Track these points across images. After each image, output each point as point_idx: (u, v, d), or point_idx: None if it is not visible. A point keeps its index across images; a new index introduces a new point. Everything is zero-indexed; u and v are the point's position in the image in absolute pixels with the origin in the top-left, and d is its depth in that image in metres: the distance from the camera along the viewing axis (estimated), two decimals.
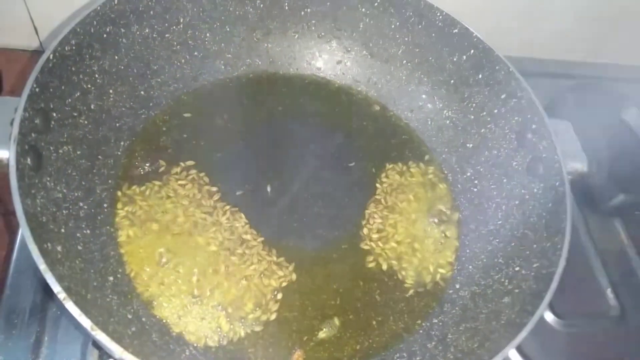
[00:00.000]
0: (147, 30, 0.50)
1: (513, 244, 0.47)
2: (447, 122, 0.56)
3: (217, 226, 0.47)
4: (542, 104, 0.48)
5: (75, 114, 0.44)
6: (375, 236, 0.50)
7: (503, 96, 0.51)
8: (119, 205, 0.46)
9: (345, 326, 0.45)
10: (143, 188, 0.47)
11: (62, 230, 0.39)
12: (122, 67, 0.49)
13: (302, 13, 0.57)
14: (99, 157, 0.46)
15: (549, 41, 0.70)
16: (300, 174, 0.53)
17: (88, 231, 0.42)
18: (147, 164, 0.49)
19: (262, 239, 0.47)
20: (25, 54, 0.61)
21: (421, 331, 0.45)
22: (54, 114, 0.41)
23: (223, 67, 0.57)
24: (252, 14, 0.56)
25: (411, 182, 0.54)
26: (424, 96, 0.58)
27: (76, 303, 0.32)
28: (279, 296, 0.45)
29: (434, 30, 0.54)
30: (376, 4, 0.55)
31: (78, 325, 0.32)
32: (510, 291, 0.44)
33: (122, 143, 0.49)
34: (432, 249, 0.50)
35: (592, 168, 0.49)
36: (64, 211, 0.40)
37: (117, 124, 0.49)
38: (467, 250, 0.50)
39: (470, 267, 0.49)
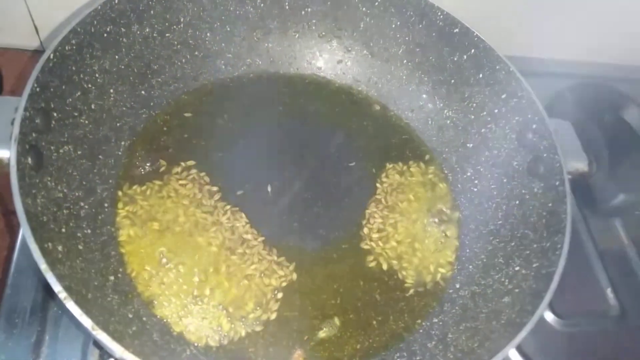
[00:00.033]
0: (147, 30, 0.50)
1: (513, 243, 0.47)
2: (448, 121, 0.56)
3: (217, 226, 0.47)
4: (543, 104, 0.48)
5: (75, 114, 0.44)
6: (375, 236, 0.50)
7: (503, 96, 0.51)
8: (120, 205, 0.46)
9: (345, 326, 0.45)
10: (144, 188, 0.47)
11: (63, 230, 0.39)
12: (123, 67, 0.49)
13: (303, 12, 0.57)
14: (100, 156, 0.46)
15: (549, 41, 0.70)
16: (300, 173, 0.53)
17: (89, 231, 0.42)
18: (148, 164, 0.49)
19: (263, 238, 0.47)
20: (25, 53, 0.61)
21: (421, 331, 0.45)
22: (55, 114, 0.41)
23: (223, 66, 0.57)
24: (253, 13, 0.56)
25: (411, 182, 0.54)
26: (424, 96, 0.58)
27: (77, 302, 0.32)
28: (280, 296, 0.45)
29: (435, 29, 0.54)
30: (377, 4, 0.55)
31: (79, 325, 0.32)
32: (510, 291, 0.44)
33: (122, 143, 0.49)
34: (433, 248, 0.50)
35: (592, 168, 0.49)
36: (64, 211, 0.40)
37: (118, 124, 0.49)
38: (467, 250, 0.50)
39: (471, 266, 0.49)
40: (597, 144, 0.53)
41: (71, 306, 0.32)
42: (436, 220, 0.52)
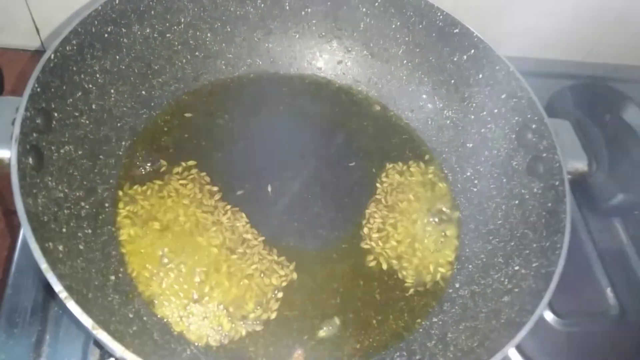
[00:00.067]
0: (148, 30, 0.50)
1: (513, 243, 0.47)
2: (448, 121, 0.56)
3: (218, 225, 0.47)
4: (542, 104, 0.48)
5: (76, 114, 0.44)
6: (375, 236, 0.50)
7: (503, 96, 0.51)
8: (121, 205, 0.46)
9: (345, 325, 0.45)
10: (144, 188, 0.47)
11: (64, 230, 0.39)
12: (123, 67, 0.49)
13: (303, 13, 0.57)
14: (101, 156, 0.46)
15: (549, 41, 0.70)
16: (300, 173, 0.53)
17: (89, 231, 0.42)
18: (149, 164, 0.49)
19: (263, 238, 0.47)
20: (26, 53, 0.61)
21: (421, 330, 0.45)
22: (56, 114, 0.41)
23: (224, 67, 0.57)
24: (253, 14, 0.56)
25: (411, 182, 0.54)
26: (424, 96, 0.58)
27: (77, 302, 0.32)
28: (280, 295, 0.45)
29: (435, 30, 0.54)
30: (377, 4, 0.55)
31: (79, 325, 0.32)
32: (509, 290, 0.44)
33: (123, 143, 0.49)
34: (432, 248, 0.50)
35: (591, 168, 0.49)
36: (65, 211, 0.41)
37: (119, 124, 0.49)
38: (467, 250, 0.50)
39: (470, 266, 0.49)
40: (596, 144, 0.53)
41: (72, 306, 0.32)
42: (436, 220, 0.52)
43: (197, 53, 0.55)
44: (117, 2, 0.46)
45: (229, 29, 0.56)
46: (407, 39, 0.56)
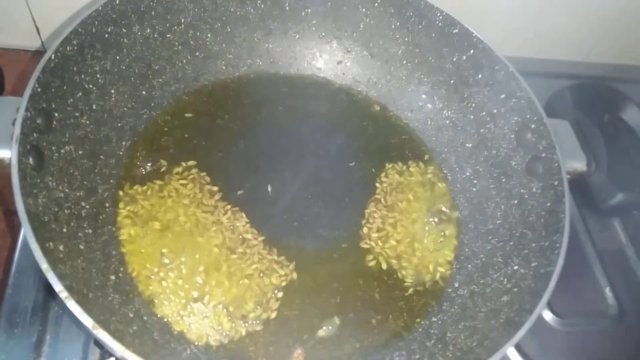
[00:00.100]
0: (148, 31, 0.50)
1: (512, 243, 0.47)
2: (447, 122, 0.56)
3: (218, 225, 0.47)
4: (541, 104, 0.48)
5: (77, 114, 0.44)
6: (375, 235, 0.50)
7: (502, 96, 0.51)
8: (121, 205, 0.46)
9: (345, 325, 0.45)
10: (145, 188, 0.48)
11: (64, 230, 0.39)
12: (124, 67, 0.49)
13: (303, 13, 0.57)
14: (101, 156, 0.47)
15: (548, 41, 0.70)
16: (300, 173, 0.53)
17: (90, 230, 0.42)
18: (149, 164, 0.49)
19: (263, 238, 0.47)
20: (27, 54, 0.61)
21: (420, 330, 0.45)
22: (56, 114, 0.42)
23: (224, 67, 0.57)
24: (253, 14, 0.56)
25: (411, 182, 0.54)
26: (423, 96, 0.58)
27: (78, 302, 0.33)
28: (280, 295, 0.45)
29: (434, 30, 0.54)
30: (376, 4, 0.55)
31: (80, 324, 0.32)
32: (509, 290, 0.44)
33: (123, 143, 0.49)
34: (432, 248, 0.50)
35: (591, 167, 0.49)
36: (65, 211, 0.41)
37: (119, 124, 0.49)
38: (466, 249, 0.50)
39: (470, 266, 0.49)
40: (595, 144, 0.53)
41: (72, 305, 0.32)
42: (435, 219, 0.52)
43: (197, 53, 0.55)
44: (117, 2, 0.46)
45: (229, 30, 0.56)
46: (406, 39, 0.56)
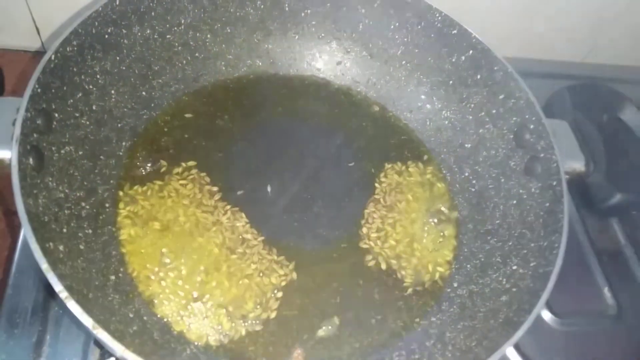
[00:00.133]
0: (148, 31, 0.51)
1: (511, 243, 0.47)
2: (446, 122, 0.57)
3: (217, 225, 0.47)
4: (540, 104, 0.49)
5: (77, 115, 0.44)
6: (374, 235, 0.50)
7: (501, 96, 0.51)
8: (121, 205, 0.46)
9: (344, 325, 0.45)
10: (144, 188, 0.48)
11: (64, 230, 0.40)
12: (124, 68, 0.49)
13: (303, 14, 0.57)
14: (101, 157, 0.47)
15: (547, 42, 0.70)
16: (300, 173, 0.53)
17: (90, 231, 0.43)
18: (149, 164, 0.49)
19: (263, 238, 0.48)
20: (27, 54, 0.61)
21: (420, 329, 0.46)
22: (56, 115, 0.42)
23: (224, 68, 0.57)
24: (253, 15, 0.56)
25: (410, 182, 0.54)
26: (422, 97, 0.58)
27: (78, 302, 0.33)
28: (279, 295, 0.45)
29: (433, 31, 0.54)
30: (376, 5, 0.55)
31: (80, 324, 0.33)
32: (507, 290, 0.44)
33: (123, 143, 0.49)
34: (431, 248, 0.50)
35: (589, 168, 0.49)
36: (65, 211, 0.41)
37: (119, 125, 0.49)
38: (465, 250, 0.50)
39: (469, 266, 0.49)
40: (594, 144, 0.53)
41: (72, 306, 0.32)
42: (434, 220, 0.52)
43: (197, 54, 0.55)
44: (117, 3, 0.46)
45: (228, 30, 0.56)
46: (405, 39, 0.56)
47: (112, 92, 0.48)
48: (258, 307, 0.44)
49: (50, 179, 0.40)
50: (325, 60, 0.60)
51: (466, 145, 0.55)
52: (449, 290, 0.48)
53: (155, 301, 0.42)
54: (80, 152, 0.44)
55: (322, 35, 0.59)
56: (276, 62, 0.59)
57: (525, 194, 0.48)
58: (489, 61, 0.51)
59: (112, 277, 0.42)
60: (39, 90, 0.39)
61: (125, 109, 0.50)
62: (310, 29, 0.58)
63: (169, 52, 0.53)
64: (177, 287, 0.43)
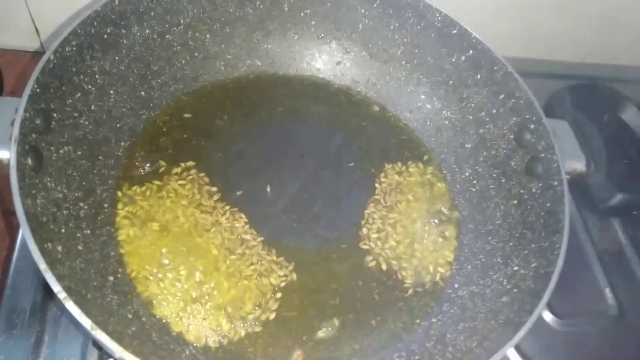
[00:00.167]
0: (147, 31, 0.51)
1: (512, 243, 0.47)
2: (446, 122, 0.56)
3: (217, 226, 0.47)
4: (540, 104, 0.49)
5: (75, 115, 0.44)
6: (374, 236, 0.50)
7: (501, 96, 0.51)
8: (120, 206, 0.46)
9: (344, 326, 0.45)
10: (143, 188, 0.48)
11: (63, 230, 0.39)
12: (123, 68, 0.49)
13: (302, 14, 0.57)
14: (100, 157, 0.46)
15: (547, 41, 0.70)
16: (299, 174, 0.53)
17: (88, 231, 0.42)
18: (148, 164, 0.49)
19: (262, 238, 0.47)
20: (26, 54, 0.61)
21: (420, 330, 0.45)
22: (55, 115, 0.42)
23: (223, 68, 0.57)
24: (252, 15, 0.56)
25: (410, 182, 0.54)
26: (422, 97, 0.58)
27: (76, 303, 0.32)
28: (279, 296, 0.45)
29: (433, 31, 0.54)
30: (375, 5, 0.55)
31: (78, 325, 0.32)
32: (508, 291, 0.44)
33: (122, 143, 0.49)
34: (431, 248, 0.50)
35: (590, 168, 0.49)
36: (64, 211, 0.41)
37: (118, 125, 0.49)
38: (466, 250, 0.50)
39: (469, 266, 0.49)
40: (595, 144, 0.53)
41: (70, 306, 0.32)
42: (435, 220, 0.52)
43: (196, 54, 0.55)
44: (116, 3, 0.46)
45: (228, 30, 0.56)
46: (405, 39, 0.56)
47: (111, 92, 0.48)
48: (257, 308, 0.44)
49: (49, 179, 0.40)
50: (325, 60, 0.60)
51: (466, 145, 0.55)
52: (449, 291, 0.48)
53: (154, 302, 0.42)
54: (79, 152, 0.44)
55: (322, 35, 0.59)
56: (276, 62, 0.59)
57: (526, 194, 0.48)
58: (489, 61, 0.51)
59: (111, 278, 0.41)
60: (37, 90, 0.39)
61: (124, 109, 0.50)
62: (310, 29, 0.58)
63: (168, 52, 0.53)
64: (175, 288, 0.43)
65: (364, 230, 0.50)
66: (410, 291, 0.48)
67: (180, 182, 0.49)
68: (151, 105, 0.52)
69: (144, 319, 0.41)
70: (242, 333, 0.43)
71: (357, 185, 0.53)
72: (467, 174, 0.54)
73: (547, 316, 0.51)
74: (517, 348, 0.48)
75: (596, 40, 0.72)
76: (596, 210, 0.57)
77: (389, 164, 0.55)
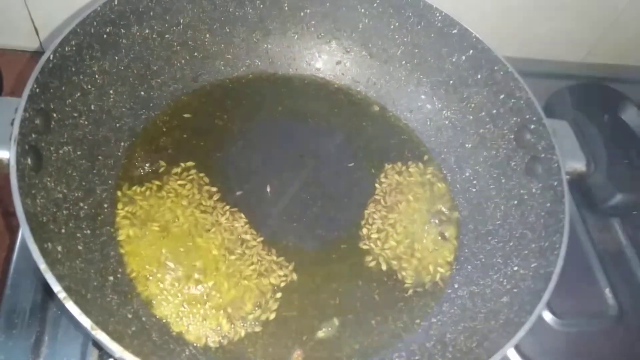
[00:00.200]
0: (147, 31, 0.50)
1: (512, 243, 0.47)
2: (446, 122, 0.56)
3: (216, 226, 0.47)
4: (541, 104, 0.48)
5: (75, 115, 0.44)
6: (374, 236, 0.50)
7: (502, 96, 0.51)
8: (119, 206, 0.46)
9: (344, 326, 0.45)
10: (143, 188, 0.48)
11: (63, 230, 0.39)
12: (122, 68, 0.49)
13: (302, 14, 0.57)
14: (99, 157, 0.46)
15: (547, 41, 0.70)
16: (299, 174, 0.53)
17: (88, 231, 0.42)
18: (147, 164, 0.49)
19: (262, 239, 0.47)
20: (25, 54, 0.61)
21: (420, 330, 0.45)
22: (54, 115, 0.42)
23: (223, 67, 0.57)
24: (252, 14, 0.56)
25: (410, 182, 0.54)
26: (423, 96, 0.58)
27: (76, 303, 0.32)
28: (279, 296, 0.45)
29: (433, 30, 0.54)
30: (375, 5, 0.55)
31: (78, 325, 0.32)
32: (508, 291, 0.44)
33: (122, 143, 0.49)
34: (431, 248, 0.50)
35: (590, 168, 0.49)
36: (64, 211, 0.41)
37: (117, 125, 0.49)
38: (466, 250, 0.50)
39: (469, 266, 0.49)
40: (595, 144, 0.53)
41: (70, 306, 0.32)
42: (435, 220, 0.52)
43: (195, 54, 0.55)
44: (116, 3, 0.46)
45: (227, 30, 0.56)
46: (405, 39, 0.56)
47: (111, 92, 0.48)
48: (257, 308, 0.44)
49: (49, 179, 0.40)
50: (325, 60, 0.60)
51: (467, 145, 0.54)
52: (449, 291, 0.48)
53: (154, 302, 0.42)
54: (79, 152, 0.44)
55: (322, 34, 0.59)
56: (275, 61, 0.59)
57: (526, 194, 0.48)
58: (490, 61, 0.51)
59: (111, 278, 0.41)
60: (37, 90, 0.39)
61: (124, 109, 0.50)
62: (310, 29, 0.58)
63: (168, 52, 0.53)
64: (175, 288, 0.43)
65: (364, 230, 0.50)
66: (410, 291, 0.48)
67: (180, 182, 0.49)
68: (151, 105, 0.52)
69: (144, 319, 0.41)
70: (242, 333, 0.43)
71: (357, 185, 0.53)
72: (467, 174, 0.54)
73: (547, 316, 0.51)
74: (517, 348, 0.48)
75: (596, 40, 0.72)
76: (596, 210, 0.57)
77: (389, 164, 0.55)
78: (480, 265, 0.48)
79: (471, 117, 0.54)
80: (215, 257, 0.45)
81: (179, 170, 0.50)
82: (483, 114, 0.53)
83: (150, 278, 0.43)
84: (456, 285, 0.48)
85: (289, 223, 0.49)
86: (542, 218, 0.45)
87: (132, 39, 0.49)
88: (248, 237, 0.47)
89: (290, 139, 0.55)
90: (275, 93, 0.58)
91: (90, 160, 0.45)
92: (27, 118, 0.38)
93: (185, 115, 0.54)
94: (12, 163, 0.36)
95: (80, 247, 0.40)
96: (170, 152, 0.51)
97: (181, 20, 0.53)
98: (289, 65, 0.59)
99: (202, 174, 0.50)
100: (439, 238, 0.51)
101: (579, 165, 0.48)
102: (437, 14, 0.53)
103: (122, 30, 0.48)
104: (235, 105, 0.56)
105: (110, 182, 0.47)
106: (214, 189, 0.49)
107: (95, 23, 0.45)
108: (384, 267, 0.48)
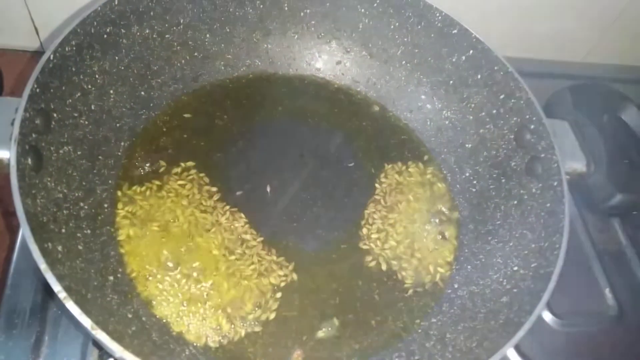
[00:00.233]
0: (147, 31, 0.50)
1: (511, 243, 0.47)
2: (446, 122, 0.56)
3: (216, 226, 0.47)
4: (541, 104, 0.48)
5: (75, 115, 0.44)
6: (374, 236, 0.50)
7: (502, 96, 0.51)
8: (120, 205, 0.46)
9: (344, 326, 0.45)
10: (143, 188, 0.48)
11: (63, 230, 0.39)
12: (123, 68, 0.49)
13: (302, 14, 0.57)
14: (100, 157, 0.46)
15: (547, 41, 0.70)
16: (299, 174, 0.53)
17: (88, 231, 0.42)
18: (147, 164, 0.49)
19: (262, 238, 0.47)
20: (25, 54, 0.61)
21: (420, 330, 0.45)
22: (55, 115, 0.42)
23: (223, 67, 0.57)
24: (252, 14, 0.56)
25: (410, 182, 0.54)
26: (423, 97, 0.58)
27: (76, 302, 0.32)
28: (279, 296, 0.45)
29: (433, 30, 0.54)
30: (375, 5, 0.55)
31: (78, 325, 0.32)
32: (508, 291, 0.44)
33: (122, 143, 0.49)
34: (431, 248, 0.50)
35: (590, 168, 0.49)
36: (64, 211, 0.41)
37: (118, 125, 0.49)
38: (466, 250, 0.50)
39: (469, 266, 0.49)
40: (595, 145, 0.53)
41: (71, 306, 0.32)
42: (435, 220, 0.52)
43: (196, 54, 0.55)
44: (116, 3, 0.46)
45: (227, 30, 0.56)
46: (405, 39, 0.56)
47: (111, 92, 0.48)
48: (257, 308, 0.44)
49: (49, 179, 0.40)
50: (325, 60, 0.60)
51: (467, 145, 0.54)
52: (449, 291, 0.48)
53: (154, 302, 0.42)
54: (79, 152, 0.44)
55: (322, 34, 0.59)
56: (275, 61, 0.59)
57: (526, 195, 0.48)
58: (490, 61, 0.51)
59: (111, 278, 0.42)
60: (37, 90, 0.39)
61: (124, 109, 0.50)
62: (310, 29, 0.58)
63: (168, 52, 0.53)
64: (175, 288, 0.43)
65: (364, 230, 0.50)
66: (410, 291, 0.48)
67: (180, 182, 0.49)
68: (151, 105, 0.52)
69: (144, 318, 0.41)
70: (242, 333, 0.43)
71: (357, 185, 0.53)
72: (467, 174, 0.54)
73: (547, 316, 0.51)
74: (517, 348, 0.48)
75: (596, 41, 0.72)
76: (596, 210, 0.57)
77: (389, 164, 0.55)
78: (480, 265, 0.48)
79: (471, 117, 0.54)
80: (215, 257, 0.45)
81: (179, 170, 0.50)
82: (483, 114, 0.53)
83: (150, 278, 0.43)
84: (456, 285, 0.48)
85: (289, 223, 0.49)
86: (542, 218, 0.45)
87: (133, 39, 0.49)
88: (248, 237, 0.47)
89: (290, 139, 0.55)
90: (275, 93, 0.58)
91: (90, 160, 0.45)
92: (27, 118, 0.38)
93: (186, 115, 0.54)
94: (13, 163, 0.36)
95: (80, 247, 0.41)
96: (171, 152, 0.51)
97: (181, 20, 0.53)
98: (289, 65, 0.59)
99: (202, 174, 0.50)
100: (439, 238, 0.51)
101: (579, 165, 0.48)
102: (437, 14, 0.53)
103: (123, 30, 0.48)
104: (235, 105, 0.56)
105: (110, 182, 0.47)
106: (214, 189, 0.49)
107: (95, 23, 0.45)
108: (384, 267, 0.48)
